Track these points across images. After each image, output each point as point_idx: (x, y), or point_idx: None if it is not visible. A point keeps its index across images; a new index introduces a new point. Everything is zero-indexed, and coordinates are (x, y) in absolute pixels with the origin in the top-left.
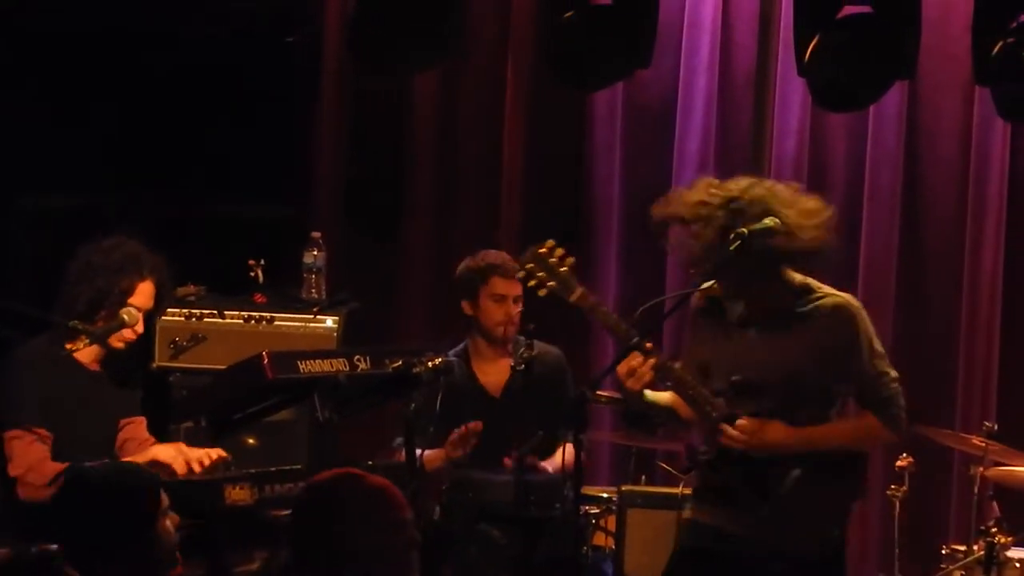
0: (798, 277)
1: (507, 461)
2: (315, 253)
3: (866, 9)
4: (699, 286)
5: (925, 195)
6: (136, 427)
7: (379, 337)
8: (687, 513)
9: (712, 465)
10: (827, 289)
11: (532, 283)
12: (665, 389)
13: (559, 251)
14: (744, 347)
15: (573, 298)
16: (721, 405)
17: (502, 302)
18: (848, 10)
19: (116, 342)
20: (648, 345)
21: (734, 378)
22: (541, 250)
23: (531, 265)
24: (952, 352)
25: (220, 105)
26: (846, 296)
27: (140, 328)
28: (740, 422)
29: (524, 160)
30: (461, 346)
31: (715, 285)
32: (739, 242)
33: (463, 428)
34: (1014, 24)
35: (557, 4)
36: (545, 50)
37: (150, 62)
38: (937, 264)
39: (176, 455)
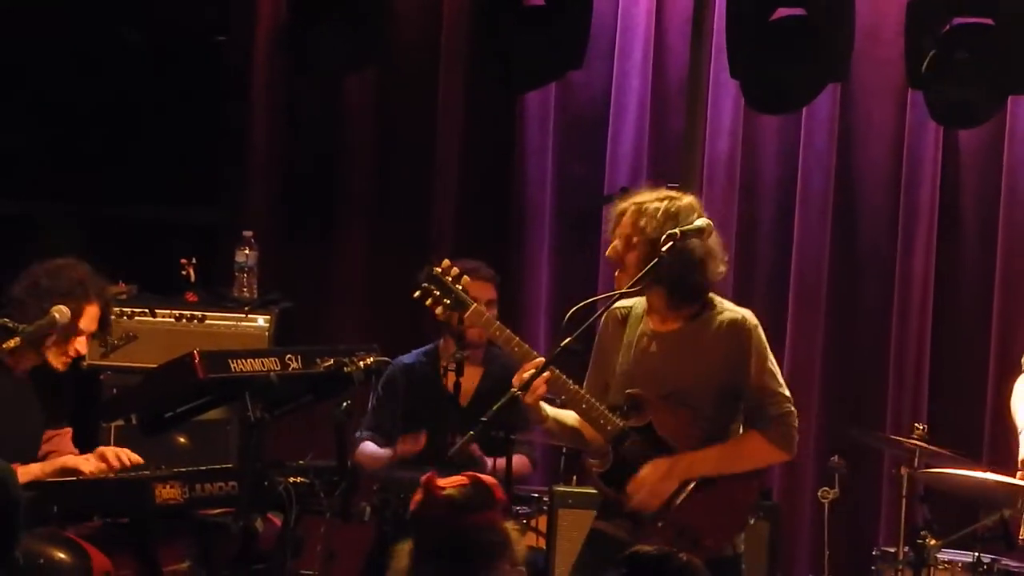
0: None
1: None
2: (247, 252)
3: (799, 12)
4: (629, 288)
5: (857, 198)
6: (61, 439)
7: (311, 336)
8: (593, 521)
9: (607, 479)
10: (727, 305)
11: (428, 301)
12: (561, 404)
13: (455, 270)
14: (642, 360)
15: (467, 315)
16: (614, 421)
17: None
18: (781, 13)
19: (58, 363)
20: (539, 360)
21: (629, 391)
22: (437, 269)
23: (427, 284)
24: (883, 354)
25: (152, 105)
26: (743, 312)
27: (84, 349)
28: (631, 485)
29: (457, 161)
30: (431, 346)
31: (641, 288)
32: (671, 242)
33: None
34: (946, 28)
35: (490, 5)
36: (478, 51)
37: (80, 65)
38: (869, 267)
39: (84, 462)
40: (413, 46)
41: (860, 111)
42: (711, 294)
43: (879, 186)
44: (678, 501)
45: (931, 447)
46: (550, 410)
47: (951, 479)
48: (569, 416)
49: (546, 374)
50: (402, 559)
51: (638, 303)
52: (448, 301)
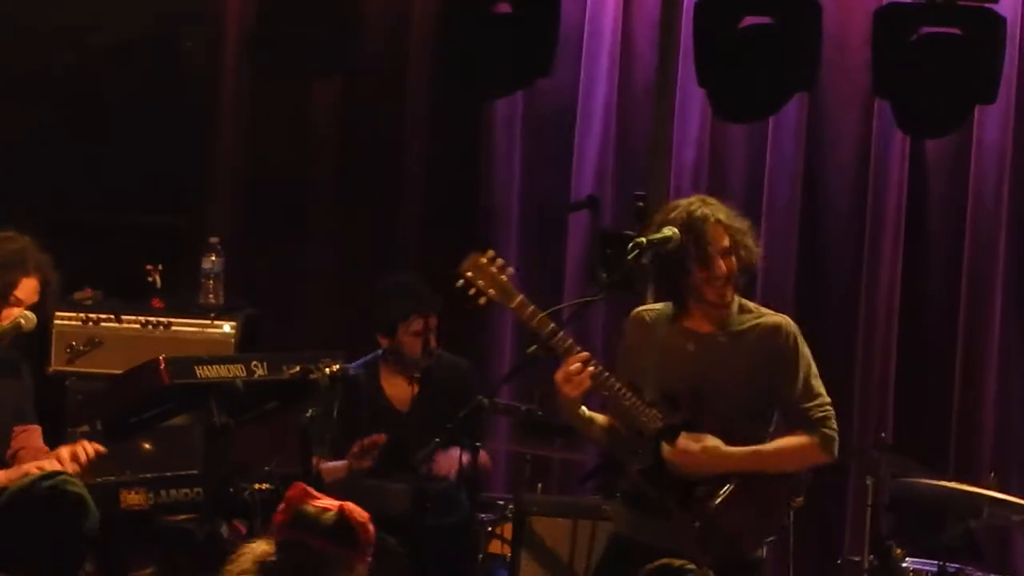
0: (737, 297)
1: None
2: (213, 258)
3: (766, 20)
4: (598, 294)
5: (824, 207)
6: (30, 435)
7: (277, 343)
8: (615, 527)
9: (646, 478)
10: (765, 310)
11: (472, 291)
12: (600, 401)
13: (499, 260)
14: (680, 361)
15: (513, 305)
16: (657, 417)
17: (417, 337)
18: (748, 21)
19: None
20: (585, 354)
21: (669, 390)
22: (482, 259)
23: (471, 273)
24: (850, 362)
25: (118, 110)
26: (785, 317)
27: (28, 324)
28: (680, 441)
29: (424, 167)
30: (371, 356)
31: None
32: (636, 251)
33: (366, 440)
34: (914, 37)
35: (457, 11)
36: (445, 57)
37: (47, 66)
38: (835, 275)
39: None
40: (380, 52)
41: (827, 119)
42: (745, 300)
43: (846, 194)
44: (715, 503)
45: (897, 456)
46: (582, 409)
47: (917, 488)
48: (599, 416)
49: (591, 368)
50: (246, 561)
51: (664, 306)
52: (493, 292)
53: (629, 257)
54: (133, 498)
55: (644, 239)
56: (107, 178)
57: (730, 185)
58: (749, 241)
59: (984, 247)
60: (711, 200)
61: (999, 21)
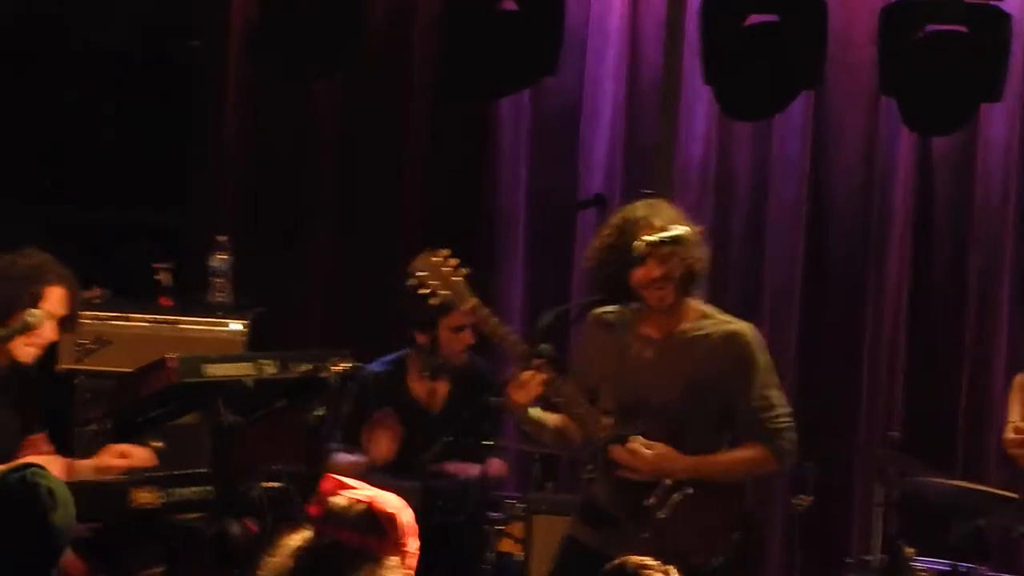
0: (698, 303)
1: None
2: (221, 257)
3: (772, 18)
4: (597, 296)
5: (830, 205)
6: (37, 442)
7: (286, 341)
8: (569, 529)
9: (595, 485)
10: (725, 317)
11: (425, 291)
12: (554, 406)
13: (453, 260)
14: (636, 368)
15: (465, 308)
16: (609, 425)
17: (462, 332)
18: (754, 19)
19: (23, 354)
20: (538, 360)
21: (623, 399)
22: (435, 258)
23: (424, 272)
24: (857, 360)
25: (125, 108)
26: (743, 324)
27: (52, 335)
28: (631, 444)
29: (428, 166)
30: (399, 354)
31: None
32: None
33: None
34: (919, 35)
35: (462, 9)
36: (449, 56)
37: (52, 65)
38: (842, 273)
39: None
40: (384, 51)
41: (833, 117)
42: (706, 307)
43: (852, 192)
44: (664, 512)
45: (905, 455)
46: (532, 411)
47: (926, 487)
48: (550, 417)
49: (543, 375)
50: (284, 552)
51: (625, 309)
52: (446, 292)
53: (634, 256)
54: (144, 497)
55: (647, 239)
56: (115, 176)
57: (736, 183)
58: (694, 247)
59: (991, 244)
60: (660, 201)
61: (1005, 18)
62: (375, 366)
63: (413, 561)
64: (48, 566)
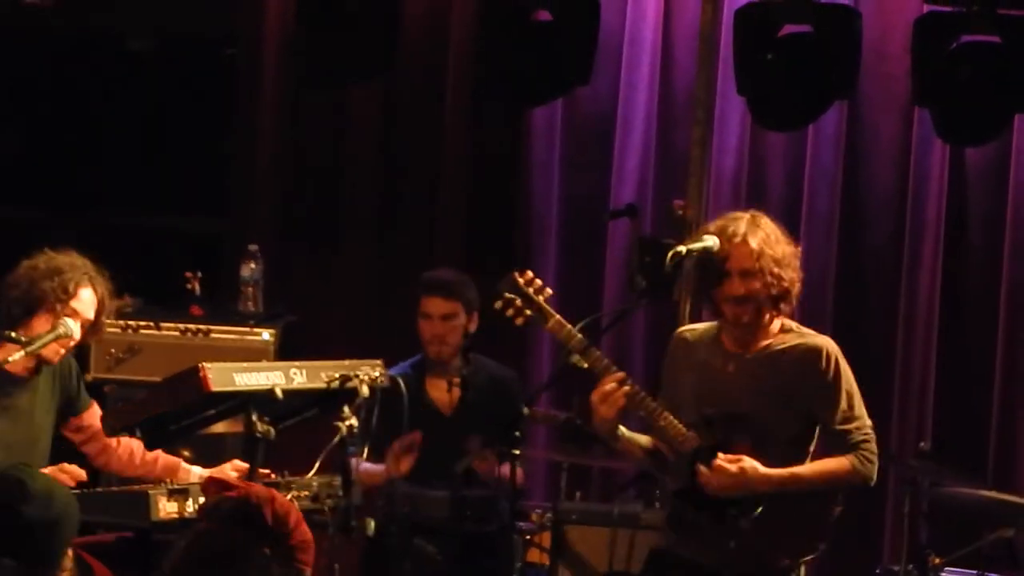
0: (780, 317)
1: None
2: (252, 266)
3: (806, 29)
4: (637, 302)
5: (863, 215)
6: (91, 415)
7: (316, 351)
8: (658, 541)
9: (681, 498)
10: (807, 331)
11: (509, 312)
12: (639, 420)
13: (537, 281)
14: (718, 382)
15: (549, 326)
16: (693, 438)
17: (428, 320)
18: (788, 29)
19: (51, 355)
20: (620, 374)
21: (706, 411)
22: (520, 279)
23: (509, 294)
24: (889, 371)
25: (159, 117)
26: (825, 339)
27: (77, 336)
28: (716, 461)
29: (463, 174)
30: (417, 358)
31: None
32: (675, 260)
33: (405, 439)
34: (954, 45)
35: (498, 19)
36: (485, 65)
37: (90, 74)
38: (874, 283)
39: None
40: (420, 59)
41: (867, 128)
42: (788, 321)
43: (885, 203)
44: (749, 523)
45: (936, 465)
46: (623, 430)
47: (956, 497)
48: (641, 437)
49: (626, 388)
50: (176, 550)
51: (708, 326)
52: (530, 312)
53: (667, 265)
54: (170, 506)
55: (684, 248)
56: (148, 185)
57: (769, 194)
58: (785, 269)
59: (1023, 255)
60: (761, 218)
61: None
62: (393, 370)
63: (305, 556)
64: (37, 561)
